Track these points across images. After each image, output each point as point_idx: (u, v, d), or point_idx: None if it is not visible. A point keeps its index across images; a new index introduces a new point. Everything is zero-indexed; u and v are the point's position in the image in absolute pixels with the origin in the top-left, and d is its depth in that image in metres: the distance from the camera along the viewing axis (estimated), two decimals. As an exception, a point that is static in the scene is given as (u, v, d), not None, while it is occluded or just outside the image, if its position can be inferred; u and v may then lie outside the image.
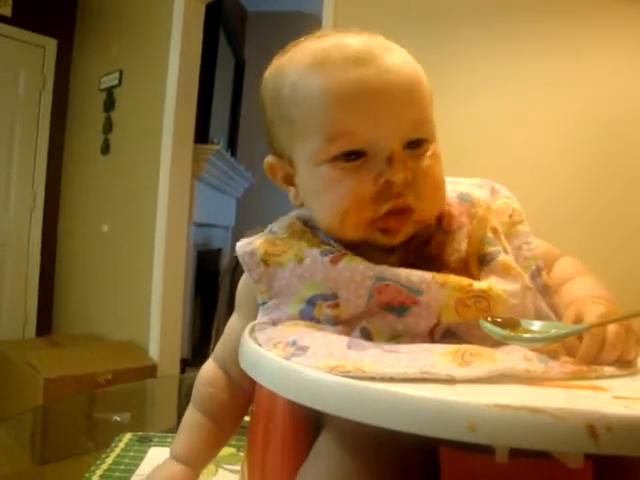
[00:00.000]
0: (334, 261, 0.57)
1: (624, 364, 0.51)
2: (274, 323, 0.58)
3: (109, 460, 0.85)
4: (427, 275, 0.55)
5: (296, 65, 0.60)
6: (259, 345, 0.52)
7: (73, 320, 3.58)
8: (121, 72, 3.28)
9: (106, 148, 3.36)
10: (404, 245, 0.61)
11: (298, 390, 0.43)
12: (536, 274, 0.62)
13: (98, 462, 0.85)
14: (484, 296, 0.55)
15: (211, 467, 0.85)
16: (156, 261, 3.03)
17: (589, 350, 0.49)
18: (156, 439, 0.91)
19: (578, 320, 0.53)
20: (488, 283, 0.56)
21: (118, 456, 0.85)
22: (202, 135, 3.23)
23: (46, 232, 3.60)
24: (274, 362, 0.46)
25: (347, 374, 0.43)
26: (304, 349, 0.48)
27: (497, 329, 0.52)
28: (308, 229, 0.64)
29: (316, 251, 0.59)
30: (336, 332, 0.55)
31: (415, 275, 0.55)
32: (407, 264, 0.58)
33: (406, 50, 0.62)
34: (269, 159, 0.65)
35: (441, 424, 0.35)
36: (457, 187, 0.66)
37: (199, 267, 3.51)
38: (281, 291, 0.60)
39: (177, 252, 3.09)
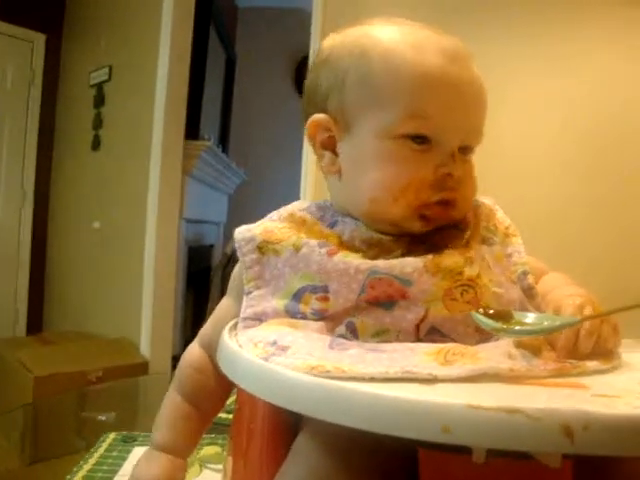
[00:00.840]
0: (331, 253, 0.58)
1: (605, 355, 0.52)
2: (258, 318, 0.57)
3: (92, 460, 0.85)
4: (419, 263, 0.56)
5: (392, 37, 0.61)
6: (240, 345, 0.51)
7: (64, 317, 3.56)
8: (111, 67, 3.25)
9: (96, 144, 3.33)
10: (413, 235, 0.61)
11: (272, 391, 0.43)
12: (522, 277, 0.63)
13: (81, 462, 0.85)
14: (472, 285, 0.56)
15: (195, 467, 0.85)
16: (147, 258, 3.02)
17: (568, 340, 0.50)
18: (140, 438, 0.91)
19: (557, 313, 0.54)
20: (478, 270, 0.57)
21: (101, 456, 0.84)
22: (193, 131, 3.21)
23: (36, 229, 3.57)
24: (250, 363, 0.46)
25: (327, 374, 0.43)
26: (284, 349, 0.48)
27: (489, 321, 0.52)
28: (310, 217, 0.64)
29: (314, 242, 0.59)
30: (319, 328, 0.55)
31: (408, 264, 0.56)
32: (410, 251, 0.59)
33: None
34: (319, 116, 0.64)
35: (415, 425, 0.35)
36: None
37: (190, 263, 3.49)
38: (271, 281, 0.60)
39: (168, 248, 3.08)
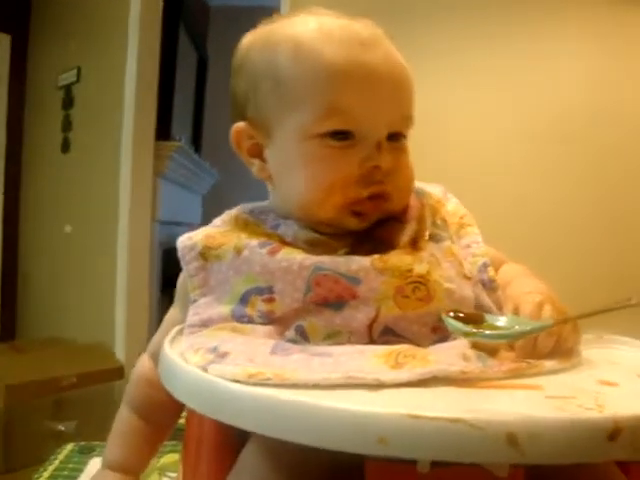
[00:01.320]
0: (272, 252, 0.56)
1: (564, 354, 0.50)
2: (203, 323, 0.55)
3: (46, 474, 0.82)
4: (366, 261, 0.54)
5: (298, 32, 0.58)
6: (181, 352, 0.49)
7: (38, 324, 3.49)
8: (79, 69, 3.19)
9: (66, 147, 3.26)
10: (355, 232, 0.59)
11: (203, 402, 0.41)
12: (482, 269, 0.62)
13: (35, 476, 0.82)
14: (423, 281, 0.54)
15: (154, 476, 0.82)
16: (120, 261, 2.97)
17: (527, 340, 0.49)
18: (99, 449, 0.88)
19: (515, 312, 0.53)
20: (428, 266, 0.55)
21: (57, 469, 0.81)
22: (164, 132, 3.16)
23: (7, 235, 3.50)
24: (186, 374, 0.43)
25: (267, 382, 0.41)
26: (224, 355, 0.45)
27: (459, 325, 0.50)
28: (252, 219, 0.62)
29: (255, 242, 0.57)
30: (268, 333, 0.53)
31: (354, 263, 0.54)
32: (356, 250, 0.56)
33: None
34: (240, 125, 0.62)
35: (349, 437, 0.33)
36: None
37: (165, 265, 3.45)
38: (216, 287, 0.58)
39: (141, 251, 3.03)
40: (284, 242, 0.58)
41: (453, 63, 1.96)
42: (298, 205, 0.59)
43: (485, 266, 0.62)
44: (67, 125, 3.26)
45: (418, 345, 0.52)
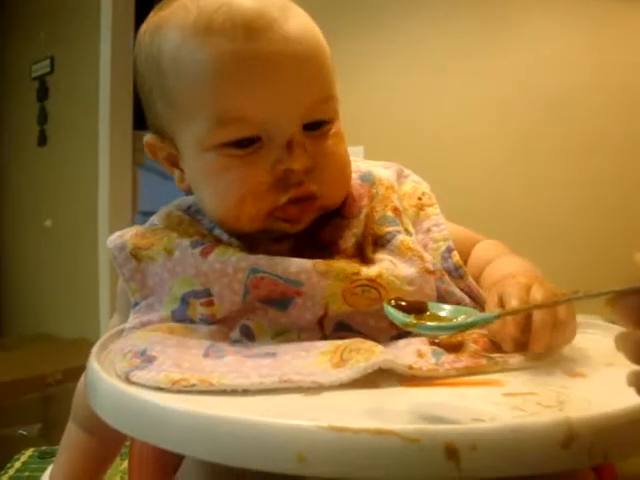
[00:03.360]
0: (204, 253, 0.50)
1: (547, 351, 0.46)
2: (143, 326, 0.51)
3: (5, 477, 0.78)
4: (307, 264, 0.48)
5: (177, 27, 0.50)
6: (112, 357, 0.45)
7: (22, 321, 3.46)
8: (52, 59, 3.12)
9: (42, 139, 3.20)
10: (294, 234, 0.54)
11: (128, 420, 0.36)
12: (446, 255, 0.56)
13: (-6, 480, 0.78)
14: (373, 285, 0.49)
15: (117, 479, 0.79)
16: (101, 254, 2.93)
17: (512, 330, 0.44)
18: (60, 453, 0.84)
19: (502, 303, 0.47)
20: (379, 269, 0.49)
21: (11, 477, 0.77)
22: (142, 121, 3.10)
23: (-14, 232, 3.45)
24: (107, 388, 0.38)
25: (191, 388, 0.37)
26: (150, 360, 0.41)
27: (400, 315, 0.44)
28: (187, 217, 0.57)
29: (186, 242, 0.52)
30: (210, 333, 0.48)
31: (294, 265, 0.48)
32: (298, 251, 0.52)
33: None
34: (149, 139, 0.57)
35: (266, 455, 0.28)
36: (360, 166, 0.60)
37: (149, 257, 3.40)
38: (155, 288, 0.53)
39: (123, 243, 2.99)
40: (219, 241, 0.53)
41: (436, 49, 1.92)
42: (216, 219, 0.54)
43: (449, 251, 0.56)
44: (42, 118, 3.20)
45: (375, 340, 0.48)
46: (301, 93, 0.50)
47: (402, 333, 0.50)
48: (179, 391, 0.36)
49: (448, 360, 0.42)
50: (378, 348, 0.41)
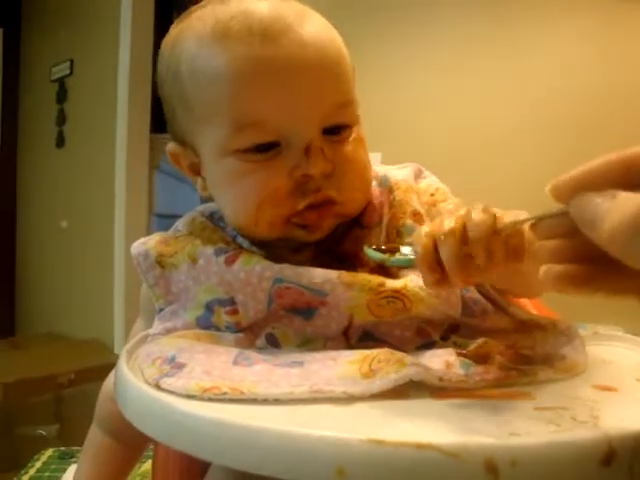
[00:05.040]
0: (229, 261, 0.50)
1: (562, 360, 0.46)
2: (168, 332, 0.51)
3: (26, 477, 0.78)
4: (332, 274, 0.48)
5: (195, 36, 0.51)
6: (140, 362, 0.45)
7: (36, 320, 3.48)
8: (72, 61, 3.15)
9: (61, 141, 3.23)
10: (316, 242, 0.54)
11: (150, 424, 0.36)
12: None
13: (15, 479, 0.79)
14: (398, 296, 0.48)
15: (136, 482, 0.79)
16: (117, 255, 2.95)
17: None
18: (79, 454, 0.84)
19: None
20: (404, 281, 0.49)
21: (32, 477, 0.77)
22: (159, 124, 3.11)
23: (3, 232, 3.47)
24: (136, 393, 0.39)
25: (222, 396, 0.36)
26: (180, 367, 0.41)
27: (377, 254, 0.47)
28: (211, 224, 0.57)
29: (210, 250, 0.52)
30: (236, 341, 0.48)
31: (319, 275, 0.48)
32: (319, 263, 0.51)
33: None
34: (171, 147, 0.58)
35: (304, 468, 0.28)
36: (378, 171, 0.60)
37: (163, 260, 3.41)
38: (180, 295, 0.53)
39: (138, 245, 3.00)
40: (242, 248, 0.54)
41: (454, 54, 1.91)
42: (235, 226, 0.54)
43: None
44: (61, 119, 3.23)
45: (400, 349, 0.48)
46: (319, 97, 0.50)
47: (427, 343, 0.50)
48: (210, 399, 0.36)
49: (477, 372, 0.42)
50: (408, 359, 0.41)
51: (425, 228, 0.41)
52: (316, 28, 0.51)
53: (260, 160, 0.50)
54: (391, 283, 0.48)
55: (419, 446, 0.27)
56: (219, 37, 0.49)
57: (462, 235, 0.38)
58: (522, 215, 0.38)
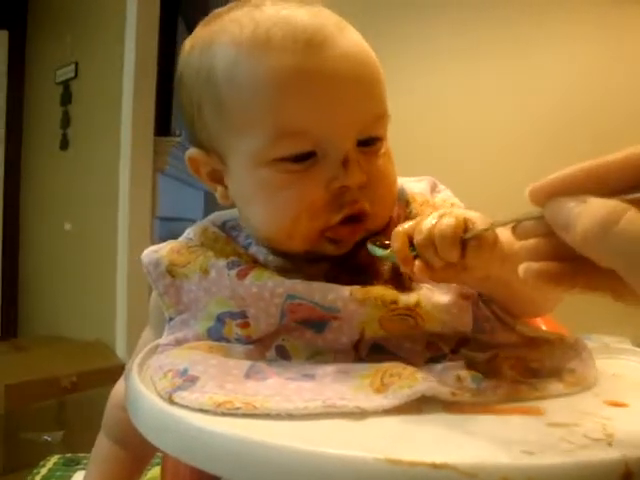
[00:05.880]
0: (241, 275, 0.50)
1: (572, 373, 0.46)
2: (179, 343, 0.51)
3: (30, 487, 0.78)
4: (344, 292, 0.47)
5: (232, 41, 0.50)
6: (151, 375, 0.45)
7: (39, 322, 3.48)
8: (77, 64, 3.15)
9: (65, 143, 3.23)
10: (331, 257, 0.54)
11: (163, 439, 0.36)
12: None
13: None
14: (411, 314, 0.48)
15: (142, 490, 0.79)
16: (120, 258, 2.95)
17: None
18: (85, 461, 0.85)
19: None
20: (417, 297, 0.48)
21: (38, 484, 0.78)
22: (163, 128, 3.12)
23: (7, 233, 3.47)
24: (149, 407, 0.39)
25: (236, 411, 0.36)
26: (193, 380, 0.41)
27: (379, 250, 0.49)
28: (223, 235, 0.57)
29: (222, 263, 0.51)
30: (246, 353, 0.48)
31: (331, 292, 0.47)
32: (334, 274, 0.51)
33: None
34: (192, 153, 0.56)
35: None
36: None
37: (166, 263, 3.41)
38: (190, 305, 0.53)
39: (141, 248, 2.92)
40: (255, 261, 0.53)
41: (452, 49, 1.91)
42: (265, 237, 0.53)
43: None
44: (66, 122, 3.23)
45: (410, 363, 0.48)
46: (359, 109, 0.49)
47: (436, 356, 0.50)
48: (223, 414, 0.36)
49: (489, 386, 0.42)
50: (420, 374, 0.41)
51: (404, 226, 0.45)
52: (355, 40, 0.51)
53: (297, 171, 0.49)
54: (404, 300, 0.48)
55: (435, 466, 0.27)
56: (261, 43, 0.48)
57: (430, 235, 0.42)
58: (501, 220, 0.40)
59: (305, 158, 0.49)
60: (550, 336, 0.52)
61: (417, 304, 0.48)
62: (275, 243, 0.53)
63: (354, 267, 0.53)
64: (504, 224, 0.39)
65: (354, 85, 0.49)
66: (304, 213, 0.49)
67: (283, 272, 0.51)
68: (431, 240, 0.42)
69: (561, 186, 0.33)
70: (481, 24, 1.89)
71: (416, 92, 1.94)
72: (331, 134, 0.48)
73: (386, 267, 0.53)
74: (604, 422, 0.38)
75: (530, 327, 0.54)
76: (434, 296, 0.49)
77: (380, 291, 0.48)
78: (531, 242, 0.36)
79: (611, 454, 0.29)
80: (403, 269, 0.45)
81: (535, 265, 0.36)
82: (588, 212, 0.30)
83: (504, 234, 0.42)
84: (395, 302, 0.47)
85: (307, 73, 0.47)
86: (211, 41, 0.52)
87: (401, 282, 0.52)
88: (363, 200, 0.50)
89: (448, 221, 0.42)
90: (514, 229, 0.37)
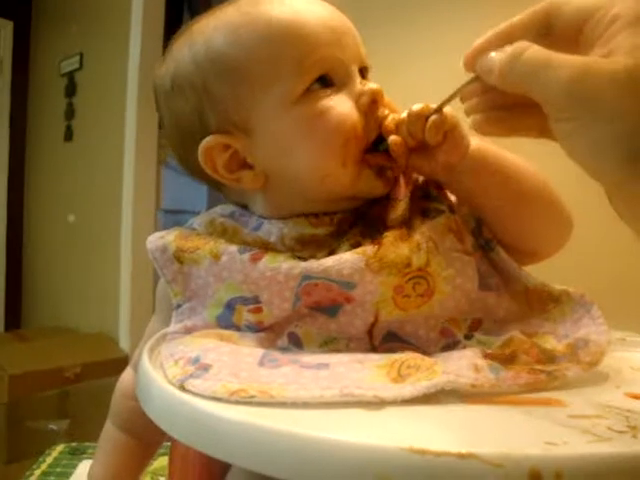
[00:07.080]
0: (254, 259, 0.49)
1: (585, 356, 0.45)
2: (188, 331, 0.50)
3: (37, 472, 0.78)
4: (360, 262, 0.47)
5: (220, 19, 0.53)
6: (161, 362, 0.44)
7: (42, 313, 3.48)
8: (82, 55, 3.14)
9: (69, 135, 3.23)
10: (343, 212, 0.53)
11: (175, 426, 0.35)
12: (477, 232, 0.54)
13: (27, 472, 0.79)
14: (423, 275, 0.48)
15: (147, 479, 0.78)
16: (123, 250, 2.95)
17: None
18: (90, 450, 0.84)
19: None
20: (426, 256, 0.48)
21: (43, 473, 0.77)
22: (168, 120, 3.11)
23: (11, 225, 3.48)
24: (159, 393, 0.38)
25: (250, 400, 0.36)
26: (206, 368, 0.40)
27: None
28: (232, 222, 0.56)
29: (234, 247, 0.50)
30: (257, 340, 0.47)
31: (347, 266, 0.47)
32: (340, 233, 0.51)
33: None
34: (208, 141, 0.53)
35: (341, 475, 0.27)
36: None
37: (170, 255, 3.41)
38: (198, 292, 0.52)
39: (145, 239, 2.97)
40: (267, 244, 0.52)
41: (460, 33, 1.90)
42: (320, 182, 0.51)
43: (479, 226, 0.54)
44: (70, 113, 3.22)
45: (425, 351, 0.47)
46: (356, 44, 0.54)
47: (451, 343, 0.49)
48: (237, 402, 0.36)
49: (508, 376, 0.41)
50: (439, 367, 0.40)
51: (395, 116, 0.51)
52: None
53: (327, 95, 0.51)
54: (416, 261, 0.48)
55: (461, 456, 0.26)
56: (253, 4, 0.52)
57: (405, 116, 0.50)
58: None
59: (330, 84, 0.51)
60: (555, 291, 0.52)
61: (427, 263, 0.48)
62: (329, 184, 0.51)
63: (366, 221, 0.53)
64: (454, 94, 0.46)
65: (351, 29, 0.55)
66: (350, 133, 0.50)
67: (299, 244, 0.51)
68: (404, 120, 0.49)
69: (481, 48, 0.42)
70: (481, 24, 1.87)
71: (417, 73, 1.93)
72: (344, 58, 0.52)
73: (397, 215, 0.52)
74: (627, 415, 0.37)
75: (534, 277, 0.53)
76: (438, 253, 0.49)
77: (393, 256, 0.47)
78: (474, 100, 0.45)
79: (638, 447, 0.28)
80: (393, 154, 0.50)
81: (479, 116, 0.45)
82: (501, 52, 0.39)
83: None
84: (409, 265, 0.47)
85: (317, 18, 0.52)
86: (193, 36, 0.54)
87: (410, 226, 0.51)
88: (390, 113, 0.52)
89: (417, 105, 0.49)
90: (459, 94, 0.46)
